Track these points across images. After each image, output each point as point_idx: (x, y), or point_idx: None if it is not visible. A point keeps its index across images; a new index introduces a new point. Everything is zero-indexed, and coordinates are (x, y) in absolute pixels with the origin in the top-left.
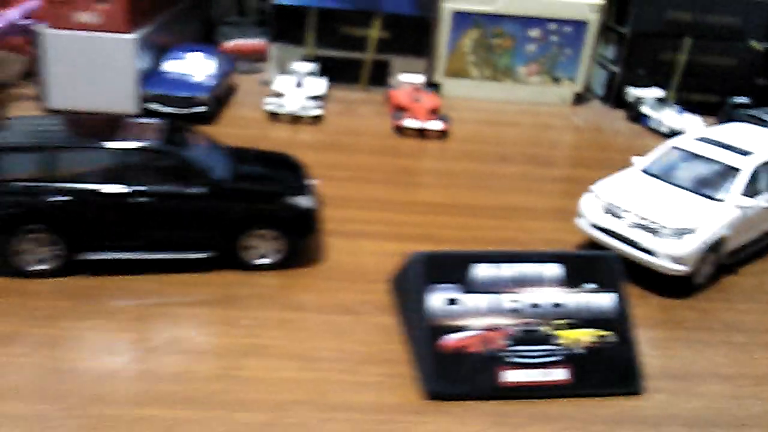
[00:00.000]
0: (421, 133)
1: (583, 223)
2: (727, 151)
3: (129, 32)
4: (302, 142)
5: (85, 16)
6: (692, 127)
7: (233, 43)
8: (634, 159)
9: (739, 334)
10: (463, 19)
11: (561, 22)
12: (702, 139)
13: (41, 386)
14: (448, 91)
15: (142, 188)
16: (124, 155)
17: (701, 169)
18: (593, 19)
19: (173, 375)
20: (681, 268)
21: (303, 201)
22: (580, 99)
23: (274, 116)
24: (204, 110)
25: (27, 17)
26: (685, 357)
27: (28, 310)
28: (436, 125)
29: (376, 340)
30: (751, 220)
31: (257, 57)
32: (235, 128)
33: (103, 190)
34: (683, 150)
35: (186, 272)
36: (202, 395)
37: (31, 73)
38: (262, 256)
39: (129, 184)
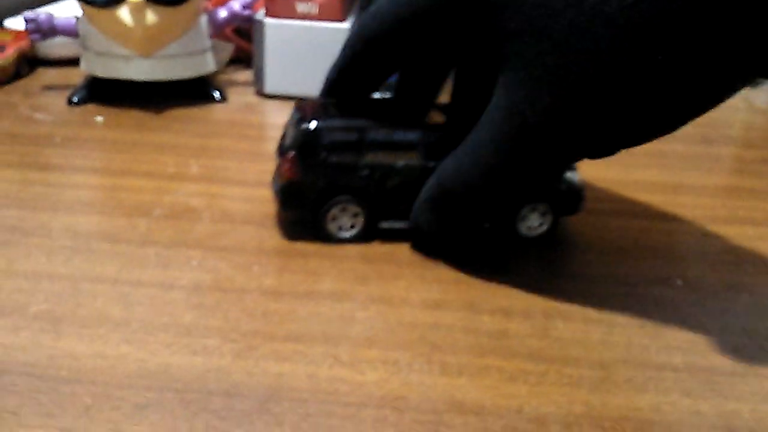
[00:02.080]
0: None
1: None
2: None
3: (343, 21)
4: None
5: (302, 6)
6: None
7: None
8: None
9: None
10: None
11: None
12: None
13: (389, 336)
14: None
15: (431, 163)
16: (426, 133)
17: None
18: None
19: (496, 332)
20: None
21: (574, 176)
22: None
23: None
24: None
25: (247, 7)
26: None
27: (343, 271)
28: None
29: None
30: None
31: None
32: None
33: (401, 165)
34: None
35: None
36: (527, 351)
37: (236, 60)
38: (531, 228)
39: (424, 159)
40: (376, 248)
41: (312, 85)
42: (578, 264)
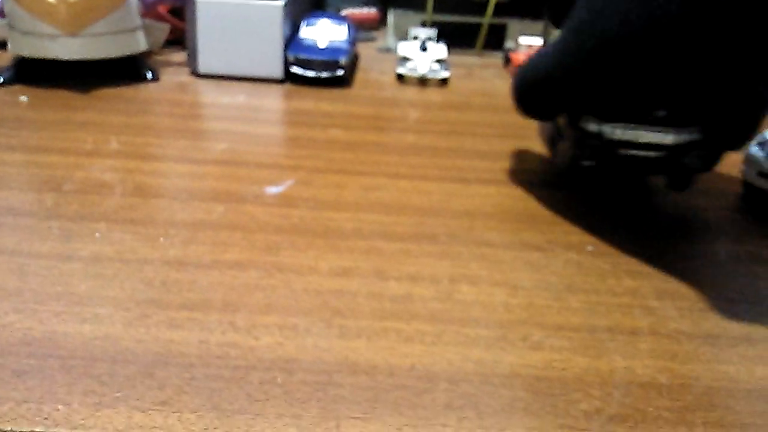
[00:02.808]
0: None
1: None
2: None
3: None
4: (435, 103)
5: None
6: None
7: (344, 13)
8: None
9: None
10: None
11: None
12: None
13: (291, 303)
14: None
15: None
16: None
17: None
18: None
19: (400, 296)
20: None
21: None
22: None
23: (401, 79)
24: (342, 73)
25: None
26: None
27: (254, 242)
28: None
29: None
30: None
31: (369, 26)
32: (370, 90)
33: None
34: None
35: None
36: (431, 312)
37: (173, 41)
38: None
39: None
40: (291, 219)
41: (248, 64)
42: (488, 231)
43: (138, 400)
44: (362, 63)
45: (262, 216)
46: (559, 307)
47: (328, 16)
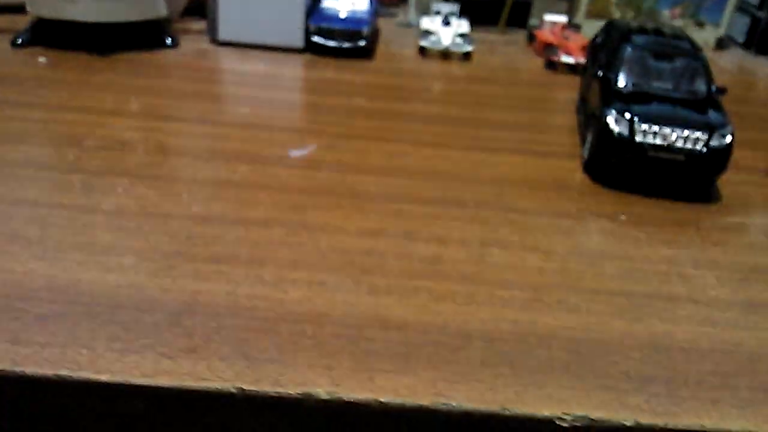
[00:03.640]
0: (574, 69)
1: None
2: None
3: None
4: (458, 76)
5: None
6: None
7: None
8: None
9: None
10: None
11: None
12: None
13: (318, 260)
14: (588, 33)
15: None
16: None
17: None
18: None
19: (431, 258)
20: None
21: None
22: (720, 44)
23: (423, 52)
24: (364, 44)
25: None
26: None
27: (279, 201)
28: None
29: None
30: None
31: (390, 2)
32: (392, 62)
33: None
34: None
35: None
36: (463, 274)
37: (194, 11)
38: None
39: None
40: (316, 181)
41: (268, 33)
42: (518, 198)
43: (165, 347)
44: (383, 37)
45: (287, 177)
46: (594, 273)
47: None
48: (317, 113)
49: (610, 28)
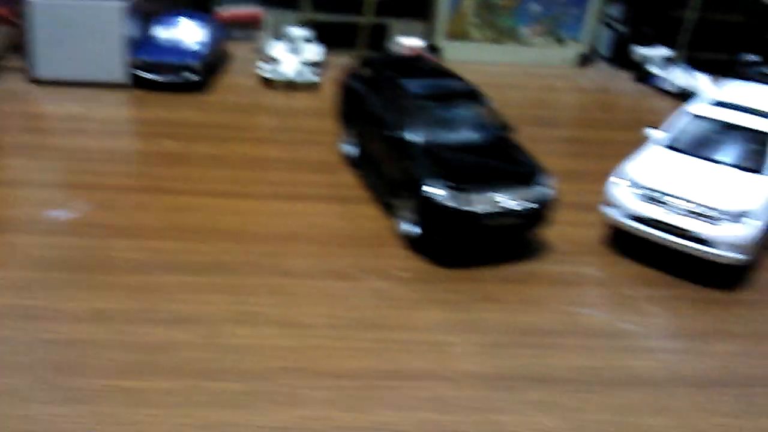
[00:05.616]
0: None
1: (616, 214)
2: (756, 117)
3: None
4: (297, 110)
5: None
6: (702, 86)
7: (229, 11)
8: (649, 131)
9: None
10: None
11: None
12: (720, 104)
13: None
14: (449, 55)
15: None
16: None
17: (733, 139)
18: None
19: (155, 345)
20: (740, 257)
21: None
22: (585, 60)
23: (268, 83)
24: (195, 78)
25: None
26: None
27: None
28: None
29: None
30: None
31: (254, 25)
32: (232, 95)
33: None
34: (706, 119)
35: None
36: (185, 364)
37: (18, 46)
38: None
39: None
40: (63, 251)
41: (88, 68)
42: (297, 257)
43: None
44: (233, 65)
45: (24, 247)
46: (344, 349)
47: (188, 16)
48: (110, 162)
49: (373, 64)
